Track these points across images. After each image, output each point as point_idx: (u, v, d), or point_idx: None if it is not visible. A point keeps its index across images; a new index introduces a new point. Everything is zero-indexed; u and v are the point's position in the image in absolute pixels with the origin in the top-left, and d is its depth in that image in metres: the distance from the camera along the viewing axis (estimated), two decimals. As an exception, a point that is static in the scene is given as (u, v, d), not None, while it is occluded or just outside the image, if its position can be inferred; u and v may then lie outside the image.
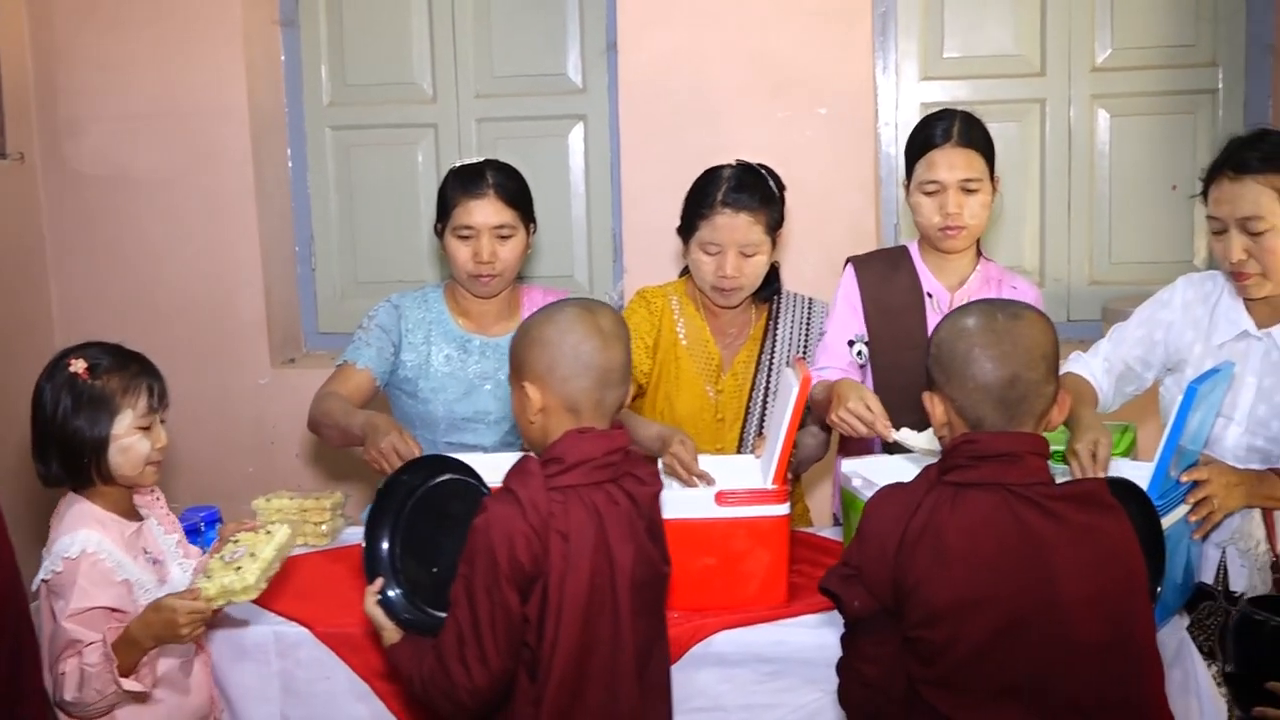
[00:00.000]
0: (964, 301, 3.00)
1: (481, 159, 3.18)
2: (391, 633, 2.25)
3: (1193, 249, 4.27)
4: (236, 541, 2.39)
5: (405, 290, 3.27)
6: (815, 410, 2.90)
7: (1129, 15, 4.21)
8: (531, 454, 2.16)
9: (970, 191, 2.93)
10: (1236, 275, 2.59)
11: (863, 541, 2.03)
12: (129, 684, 2.26)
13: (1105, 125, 4.26)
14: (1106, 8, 4.21)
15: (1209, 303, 2.73)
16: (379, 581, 2.33)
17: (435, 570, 2.37)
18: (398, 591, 2.37)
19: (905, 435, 2.62)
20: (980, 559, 1.94)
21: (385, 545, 2.41)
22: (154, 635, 2.27)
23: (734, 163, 3.06)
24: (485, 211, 3.05)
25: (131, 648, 2.27)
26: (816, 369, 2.97)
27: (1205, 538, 2.58)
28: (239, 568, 2.29)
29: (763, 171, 3.04)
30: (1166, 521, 2.39)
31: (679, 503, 2.57)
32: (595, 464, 2.10)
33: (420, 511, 2.43)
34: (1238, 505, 2.51)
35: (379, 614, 2.27)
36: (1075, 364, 2.88)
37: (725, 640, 2.49)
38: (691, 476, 2.62)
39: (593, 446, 2.11)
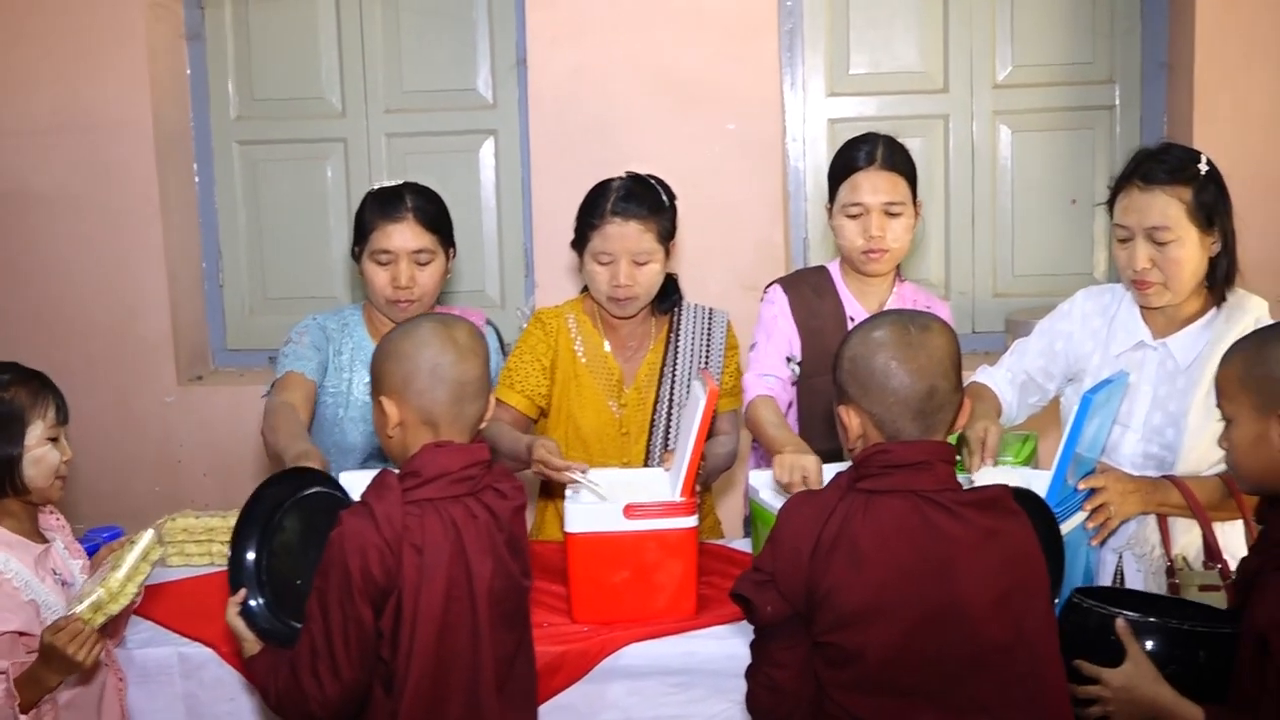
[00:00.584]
0: None
1: (400, 182, 3.14)
2: (251, 644, 2.25)
3: (1092, 261, 4.36)
4: (108, 560, 2.38)
5: (324, 312, 3.23)
6: (752, 432, 2.94)
7: (1029, 33, 4.30)
8: (390, 469, 2.16)
9: (893, 215, 2.96)
10: (1139, 284, 2.64)
11: (777, 547, 2.05)
12: None
13: (1007, 140, 4.34)
14: (1007, 26, 4.29)
15: (1107, 314, 2.79)
16: (242, 592, 2.32)
17: (299, 583, 2.35)
18: (260, 602, 2.35)
19: None
20: (892, 563, 1.97)
21: (250, 555, 2.39)
22: (55, 671, 2.25)
23: (624, 174, 3.08)
24: (404, 236, 3.03)
25: (35, 685, 2.25)
26: (759, 374, 3.00)
27: (1103, 543, 2.63)
28: (101, 582, 2.28)
29: (652, 181, 3.07)
30: (1065, 528, 2.44)
31: (587, 517, 2.58)
32: (453, 477, 2.11)
33: (287, 524, 2.42)
34: (1133, 512, 2.57)
35: (240, 624, 2.27)
36: (980, 375, 2.94)
37: (634, 653, 2.49)
38: (561, 473, 2.66)
39: (450, 460, 2.11)
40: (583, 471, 2.70)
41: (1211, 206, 2.57)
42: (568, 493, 2.69)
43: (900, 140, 3.06)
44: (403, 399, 2.14)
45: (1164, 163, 2.59)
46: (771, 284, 3.17)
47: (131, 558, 2.33)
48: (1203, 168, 2.58)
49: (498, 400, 3.06)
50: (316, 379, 3.05)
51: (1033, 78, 4.32)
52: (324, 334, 3.12)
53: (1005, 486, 2.12)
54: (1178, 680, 2.08)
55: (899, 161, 2.99)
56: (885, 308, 3.06)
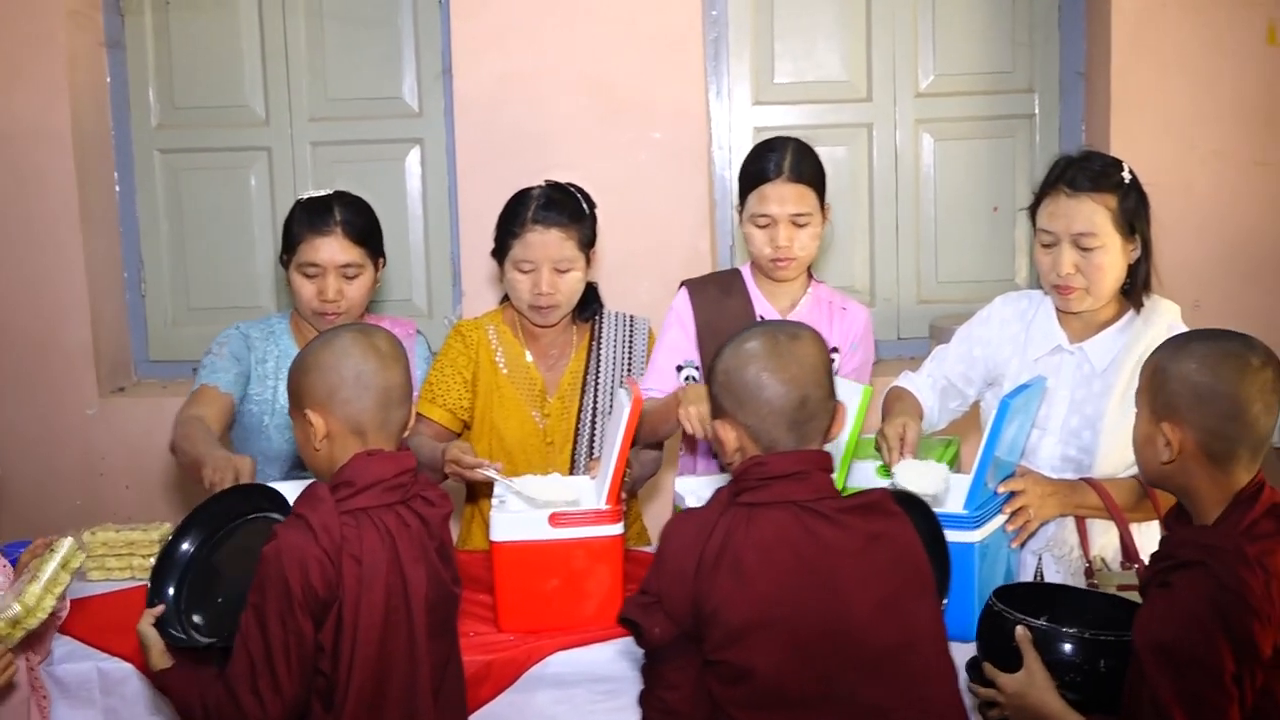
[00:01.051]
0: None
1: (329, 192, 3.10)
2: (161, 656, 2.20)
3: (1014, 268, 4.42)
4: (28, 569, 2.33)
5: (247, 319, 3.20)
6: (647, 422, 2.93)
7: (950, 43, 4.36)
8: (319, 481, 2.14)
9: (800, 225, 2.99)
10: (1061, 289, 2.67)
11: (661, 567, 2.05)
12: None
13: (929, 148, 4.40)
14: (929, 36, 4.35)
15: (1025, 319, 2.83)
16: (160, 607, 2.28)
17: (220, 600, 2.32)
18: (180, 618, 2.31)
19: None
20: (777, 575, 1.98)
21: (183, 556, 2.35)
22: None
23: (543, 183, 3.08)
24: (331, 249, 3.00)
25: None
26: (643, 388, 3.00)
27: (1023, 545, 2.67)
28: (17, 597, 2.23)
29: (571, 189, 3.08)
30: (985, 530, 2.47)
31: (514, 525, 2.58)
32: (386, 485, 2.11)
33: (221, 541, 2.39)
34: (1052, 514, 2.61)
35: (153, 634, 2.22)
36: (902, 380, 2.97)
37: (561, 661, 2.49)
38: (474, 470, 2.68)
39: (382, 468, 2.12)
40: (496, 469, 2.70)
41: (1133, 214, 2.61)
42: (494, 501, 2.69)
43: (812, 145, 3.08)
44: (328, 410, 2.13)
45: (1088, 170, 2.63)
46: (682, 284, 3.19)
47: (50, 568, 2.29)
48: (1126, 176, 2.63)
49: (420, 415, 3.05)
50: (234, 391, 3.02)
51: (954, 87, 4.37)
52: (246, 343, 3.09)
53: (885, 490, 2.15)
54: (1080, 688, 2.09)
55: (806, 171, 3.00)
56: (799, 307, 3.11)
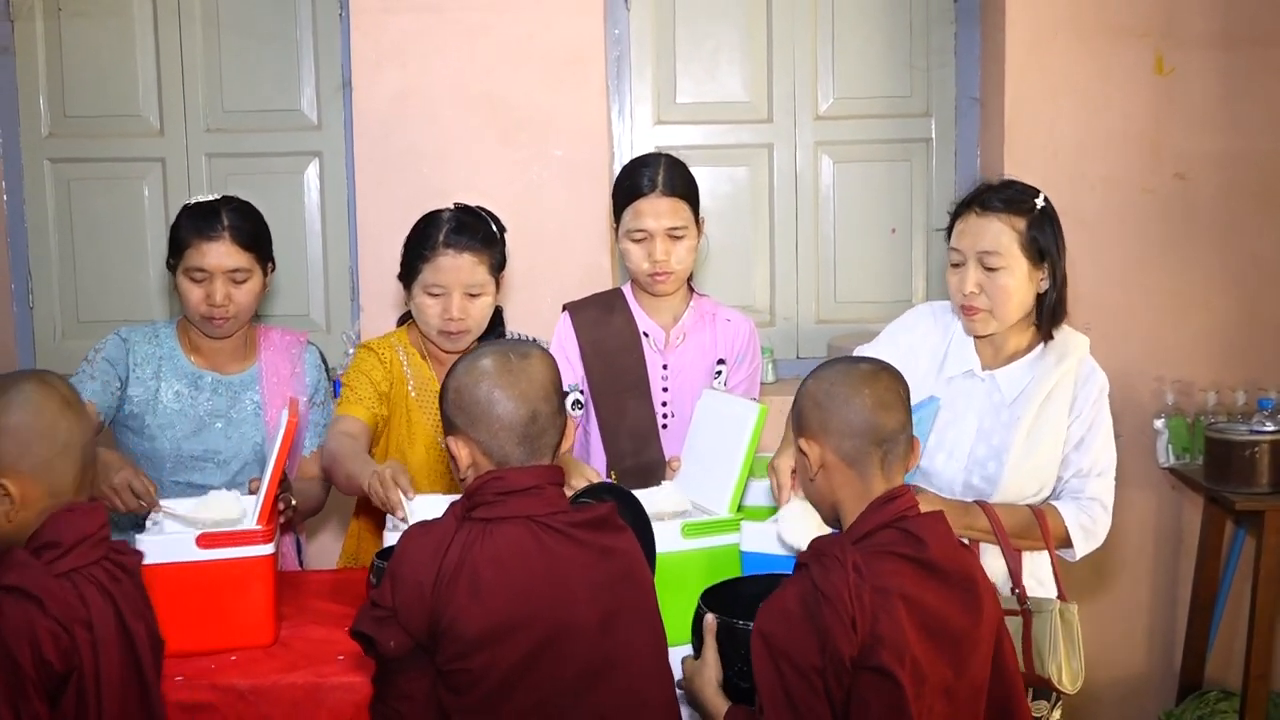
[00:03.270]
0: (680, 338, 3.10)
1: (217, 196, 3.07)
2: None
3: (911, 288, 4.48)
4: None
5: (133, 326, 3.15)
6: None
7: (849, 66, 4.41)
8: (14, 546, 2.03)
9: (676, 238, 3.02)
10: (966, 309, 2.69)
11: (396, 582, 2.06)
12: None
13: (829, 170, 4.44)
14: (829, 59, 4.40)
15: (947, 335, 2.82)
16: None
17: None
18: None
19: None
20: (512, 588, 2.04)
21: None
22: None
23: (453, 205, 3.06)
24: (219, 254, 2.96)
25: None
26: None
27: None
28: None
29: (482, 213, 3.06)
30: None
31: (160, 547, 2.49)
32: (92, 540, 2.05)
33: None
34: None
35: None
36: None
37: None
38: (388, 504, 2.60)
39: (87, 522, 2.06)
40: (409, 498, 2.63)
41: (1044, 243, 2.64)
42: (148, 524, 2.62)
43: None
44: (24, 475, 2.03)
45: (1001, 194, 2.67)
46: (564, 308, 3.21)
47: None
48: (1039, 203, 2.65)
49: (340, 414, 3.00)
50: (96, 401, 2.96)
51: (853, 110, 4.43)
52: (123, 346, 3.05)
53: (612, 505, 2.24)
54: (748, 676, 2.12)
55: (680, 185, 3.04)
56: (682, 321, 3.13)
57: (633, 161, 3.13)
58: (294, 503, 2.91)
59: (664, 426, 3.11)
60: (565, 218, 4.13)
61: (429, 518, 2.60)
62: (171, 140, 4.39)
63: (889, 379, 2.14)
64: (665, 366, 3.13)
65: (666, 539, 2.49)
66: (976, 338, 2.76)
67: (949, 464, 2.73)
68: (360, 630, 2.08)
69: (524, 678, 2.04)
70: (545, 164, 4.13)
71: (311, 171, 4.40)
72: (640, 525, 2.41)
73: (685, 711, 2.34)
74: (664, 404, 3.12)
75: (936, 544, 2.07)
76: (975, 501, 2.64)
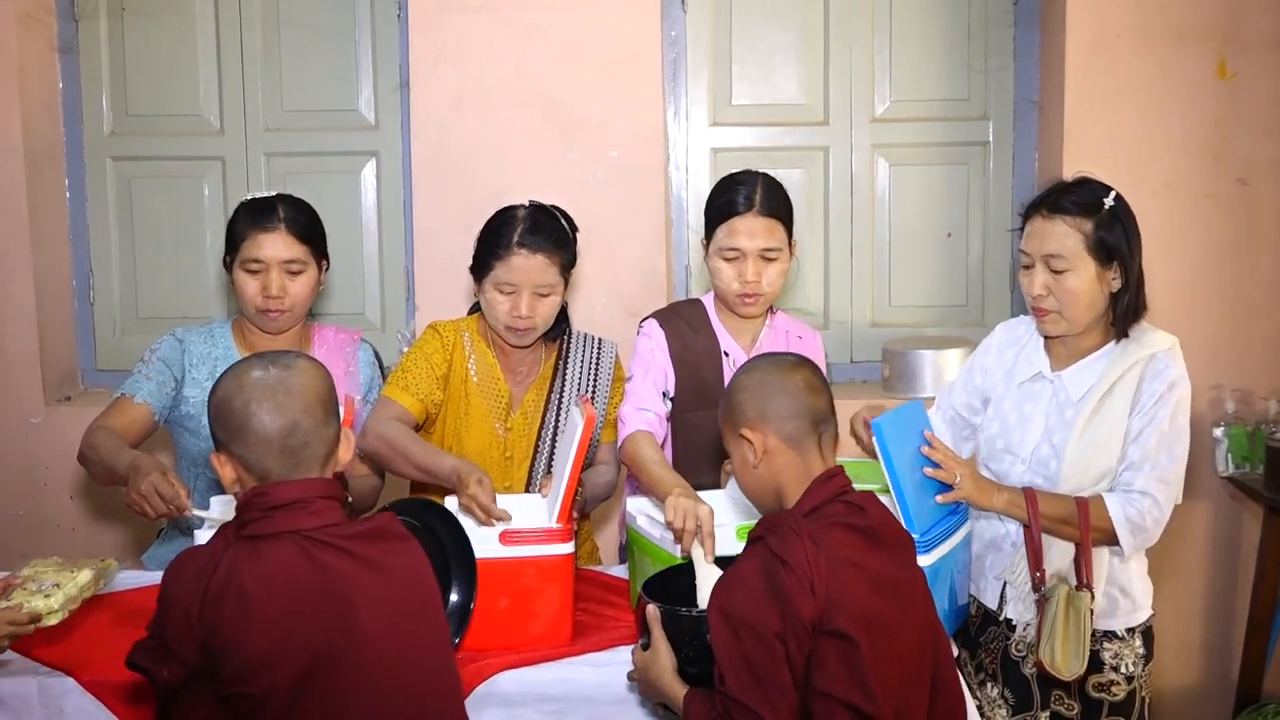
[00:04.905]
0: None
1: (273, 193, 3.11)
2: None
3: (966, 294, 4.45)
4: (37, 576, 2.35)
5: (189, 325, 3.18)
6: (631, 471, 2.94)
7: (907, 68, 4.38)
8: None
9: (769, 260, 2.98)
10: (1036, 311, 2.71)
11: (165, 611, 2.04)
12: None
13: (885, 173, 4.42)
14: (886, 61, 4.37)
15: (1018, 344, 2.86)
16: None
17: None
18: None
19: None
20: (283, 607, 2.00)
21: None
22: None
23: (527, 203, 3.06)
24: (275, 245, 3.00)
25: None
26: (638, 408, 2.98)
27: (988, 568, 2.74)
28: (48, 595, 2.31)
29: (556, 212, 3.06)
30: (934, 556, 2.48)
31: None
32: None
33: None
34: (980, 498, 2.63)
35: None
36: None
37: (509, 680, 2.48)
38: (490, 519, 2.59)
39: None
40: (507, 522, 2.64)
41: (1113, 243, 2.62)
42: None
43: (777, 177, 3.08)
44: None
45: (1072, 195, 2.66)
46: (647, 318, 3.17)
47: (73, 585, 2.43)
48: (1109, 203, 2.64)
49: (386, 398, 3.01)
50: (151, 401, 3.00)
51: (910, 113, 4.40)
52: (179, 347, 3.08)
53: (390, 514, 2.24)
54: (697, 661, 2.18)
55: (777, 206, 2.99)
56: (759, 340, 3.12)
57: (728, 178, 3.07)
58: (349, 499, 2.93)
59: None
60: (620, 219, 4.13)
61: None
62: (231, 139, 4.43)
63: (813, 366, 2.24)
64: None
65: (724, 543, 2.48)
66: (1049, 339, 2.77)
67: (1014, 466, 2.75)
68: (135, 662, 2.06)
69: (308, 696, 2.00)
70: (600, 165, 4.14)
71: (368, 171, 4.43)
72: (458, 540, 2.55)
73: (635, 699, 2.42)
74: None
75: (876, 513, 2.16)
76: (1024, 489, 2.65)
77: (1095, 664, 2.68)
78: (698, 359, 3.08)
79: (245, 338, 3.12)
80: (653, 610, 2.24)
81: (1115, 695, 2.69)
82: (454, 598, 2.55)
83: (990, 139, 4.39)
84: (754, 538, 2.13)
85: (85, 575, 2.39)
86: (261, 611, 1.98)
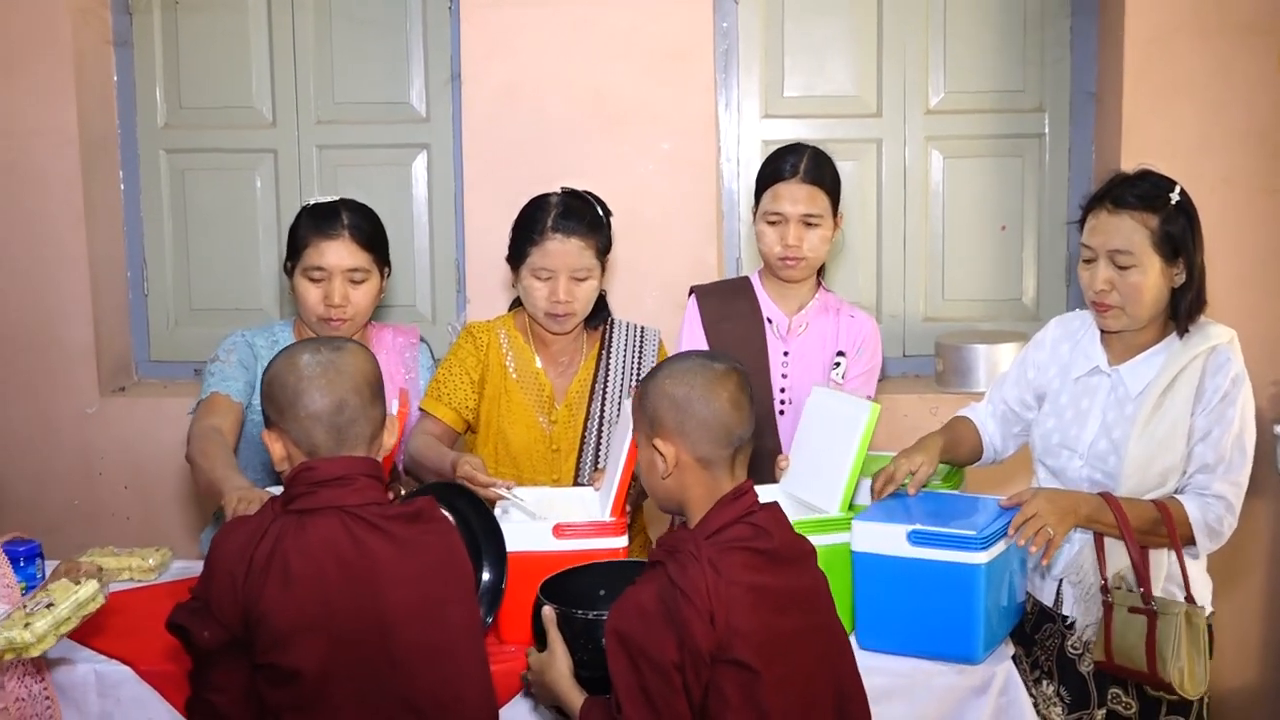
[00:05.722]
0: (802, 326, 3.09)
1: (336, 198, 3.10)
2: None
3: (1021, 287, 4.40)
4: (49, 590, 2.30)
5: (251, 328, 3.20)
6: None
7: (961, 61, 4.34)
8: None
9: (811, 225, 3.06)
10: (1098, 306, 2.67)
11: (211, 574, 2.11)
12: None
13: (939, 166, 4.38)
14: (940, 52, 4.33)
15: (1073, 339, 2.83)
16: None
17: None
18: None
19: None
20: (322, 580, 2.08)
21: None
22: None
23: (560, 190, 3.09)
24: (339, 253, 2.99)
25: None
26: None
27: (1048, 567, 2.71)
28: (28, 624, 2.21)
29: (589, 197, 3.08)
30: (991, 553, 2.45)
31: (517, 535, 2.56)
32: None
33: None
34: (1069, 528, 2.58)
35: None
36: (965, 410, 3.01)
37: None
38: (488, 489, 2.68)
39: None
40: (508, 488, 2.69)
41: (1178, 238, 2.60)
42: (497, 512, 2.67)
43: (828, 154, 3.12)
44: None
45: (1136, 188, 2.63)
46: (691, 291, 3.26)
47: (67, 606, 2.27)
48: (1174, 198, 2.61)
49: (424, 412, 3.05)
50: (243, 399, 3.01)
51: (964, 104, 4.36)
52: (252, 352, 3.08)
53: (430, 498, 2.30)
54: (590, 665, 2.19)
55: (821, 175, 3.09)
56: (806, 310, 3.17)
57: (779, 149, 3.19)
58: (404, 493, 2.94)
59: (780, 413, 3.15)
60: (671, 211, 4.12)
61: (528, 505, 2.66)
62: (283, 132, 4.45)
63: (739, 379, 2.19)
64: (786, 354, 3.17)
65: None
66: (1107, 333, 2.74)
67: (1072, 461, 2.73)
68: (175, 622, 2.12)
69: (338, 670, 2.07)
70: (652, 157, 4.12)
71: (419, 164, 4.43)
72: (486, 520, 2.59)
73: (527, 705, 2.43)
74: (782, 390, 3.16)
75: (780, 534, 2.15)
76: (1101, 494, 2.60)
77: None
78: (737, 325, 3.16)
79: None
80: (549, 611, 2.26)
81: (1172, 694, 2.65)
82: (486, 577, 2.58)
83: (1046, 131, 4.34)
84: (654, 560, 2.13)
85: (86, 590, 2.31)
86: (301, 584, 2.06)
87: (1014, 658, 2.59)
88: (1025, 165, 4.37)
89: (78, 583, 2.32)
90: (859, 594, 2.56)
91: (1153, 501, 2.60)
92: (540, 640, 2.28)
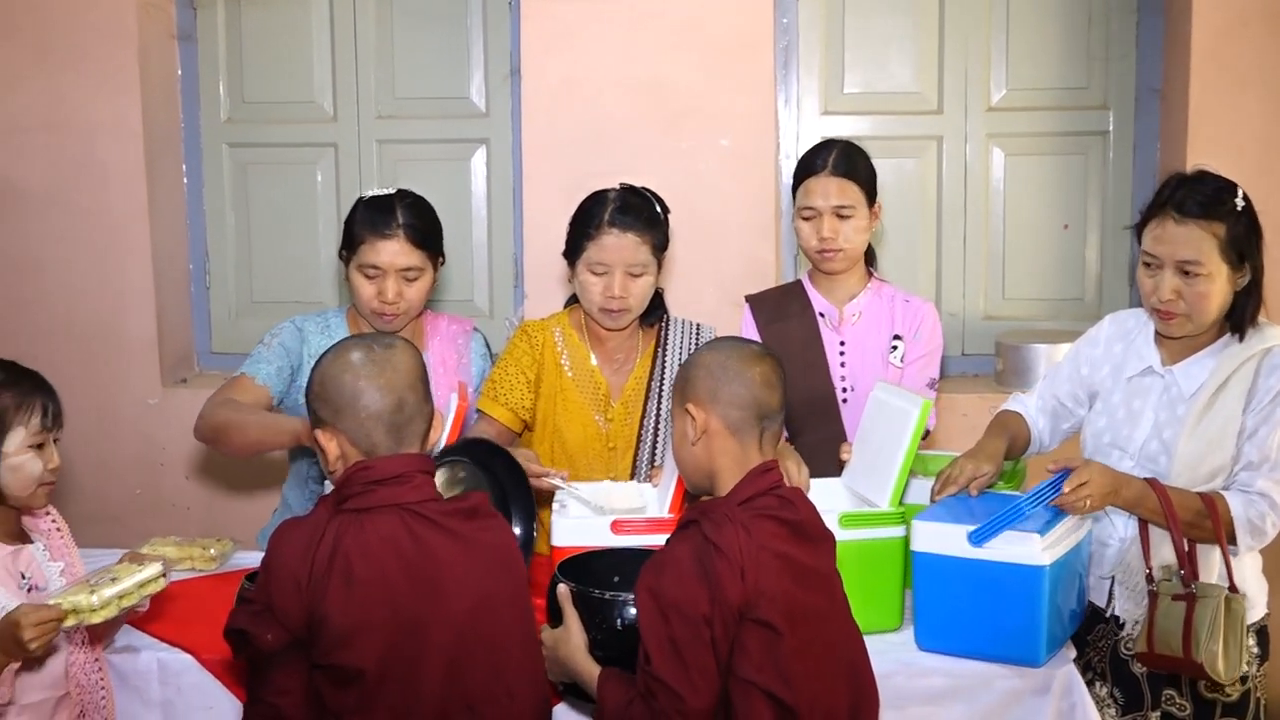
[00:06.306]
0: (855, 315, 3.11)
1: (392, 190, 3.10)
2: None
3: (1083, 287, 4.35)
4: (113, 569, 2.32)
5: (306, 314, 3.21)
6: None
7: (1024, 57, 4.30)
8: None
9: (844, 217, 3.09)
10: (1162, 314, 2.63)
11: (271, 575, 2.10)
12: None
13: (1000, 164, 4.34)
14: (1002, 49, 4.29)
15: (1128, 338, 2.81)
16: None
17: None
18: None
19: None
20: (384, 578, 2.07)
21: None
22: (3, 649, 2.17)
23: (618, 185, 3.09)
24: (393, 252, 2.99)
25: None
26: None
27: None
28: (92, 591, 2.22)
29: (647, 193, 3.08)
30: (1055, 553, 2.42)
31: (576, 531, 2.56)
32: None
33: None
34: (1104, 505, 2.57)
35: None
36: (1012, 403, 2.99)
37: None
38: (540, 480, 2.73)
39: None
40: (563, 478, 2.70)
41: (1244, 243, 2.57)
42: (555, 506, 2.68)
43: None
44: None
45: (1199, 195, 2.58)
46: (746, 300, 3.30)
47: (130, 582, 2.28)
48: (1239, 203, 2.57)
49: (481, 412, 3.06)
50: (270, 385, 3.01)
51: (1027, 101, 4.31)
52: (299, 335, 3.10)
53: (484, 494, 2.30)
54: (604, 644, 2.21)
55: (851, 167, 3.11)
56: (858, 300, 3.19)
57: (812, 146, 3.21)
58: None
59: (844, 401, 3.16)
60: (730, 208, 4.11)
61: (600, 501, 2.67)
62: (344, 126, 4.48)
63: (774, 362, 2.25)
64: (842, 344, 3.18)
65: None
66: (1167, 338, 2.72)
67: (1123, 461, 2.70)
68: (237, 627, 2.11)
69: (399, 668, 2.07)
70: (711, 153, 4.11)
71: (478, 158, 4.44)
72: (514, 473, 2.64)
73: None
74: (843, 379, 3.17)
75: (805, 509, 2.20)
76: (1148, 480, 2.58)
77: None
78: (791, 323, 3.19)
79: (359, 328, 3.13)
80: (564, 590, 2.27)
81: (1229, 696, 2.62)
82: (516, 530, 2.59)
83: (1110, 129, 4.29)
84: (686, 521, 2.16)
85: (150, 570, 2.31)
86: (364, 583, 2.05)
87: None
88: (1088, 163, 4.32)
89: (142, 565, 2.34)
90: (918, 594, 2.54)
91: (1198, 494, 2.57)
92: (555, 618, 2.29)
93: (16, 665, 2.25)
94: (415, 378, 2.21)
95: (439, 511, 2.15)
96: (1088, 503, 2.50)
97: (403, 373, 2.19)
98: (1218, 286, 2.57)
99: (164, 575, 2.36)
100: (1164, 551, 2.58)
